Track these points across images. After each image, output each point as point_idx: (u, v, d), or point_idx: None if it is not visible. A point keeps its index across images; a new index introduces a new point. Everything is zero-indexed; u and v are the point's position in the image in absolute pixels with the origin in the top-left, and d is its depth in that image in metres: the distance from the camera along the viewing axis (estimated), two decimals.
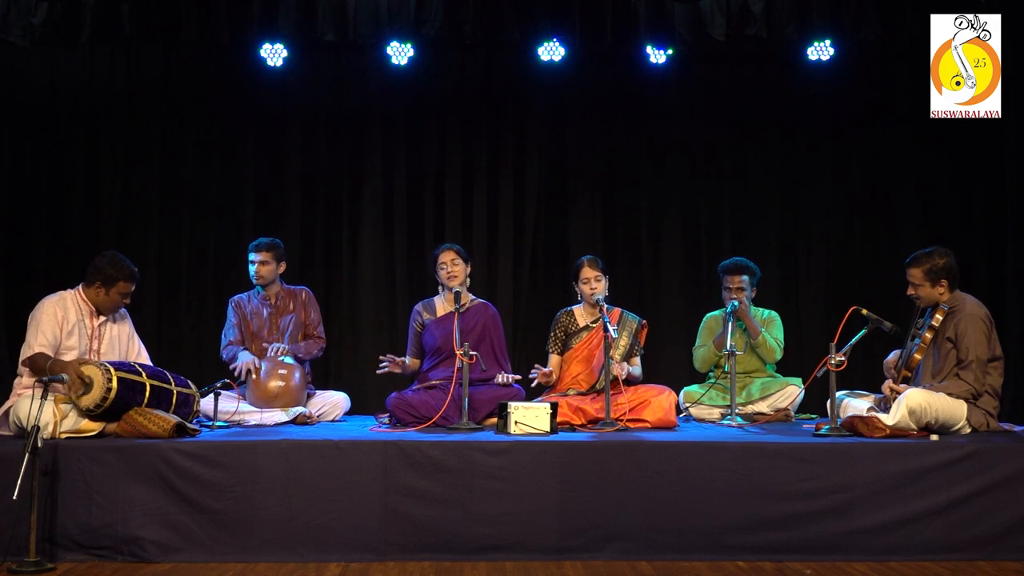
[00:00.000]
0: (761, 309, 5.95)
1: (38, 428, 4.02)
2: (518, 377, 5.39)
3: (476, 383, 5.21)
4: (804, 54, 6.26)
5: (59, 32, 5.60)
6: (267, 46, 6.20)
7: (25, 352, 4.75)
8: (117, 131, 6.66)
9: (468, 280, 5.56)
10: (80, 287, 4.93)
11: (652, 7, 5.79)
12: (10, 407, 4.69)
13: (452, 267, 5.44)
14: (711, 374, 5.92)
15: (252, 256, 5.67)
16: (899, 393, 4.74)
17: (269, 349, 5.49)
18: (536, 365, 5.40)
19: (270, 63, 6.28)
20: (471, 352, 4.90)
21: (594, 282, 5.40)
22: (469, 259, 5.58)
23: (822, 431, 4.71)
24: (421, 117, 6.79)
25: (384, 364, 5.32)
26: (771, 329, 5.84)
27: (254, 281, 5.70)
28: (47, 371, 4.51)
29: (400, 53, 6.21)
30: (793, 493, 4.36)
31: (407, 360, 5.55)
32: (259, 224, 6.61)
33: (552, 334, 5.58)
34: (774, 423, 5.47)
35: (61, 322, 4.78)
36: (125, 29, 5.68)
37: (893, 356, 5.20)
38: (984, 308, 4.92)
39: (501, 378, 5.33)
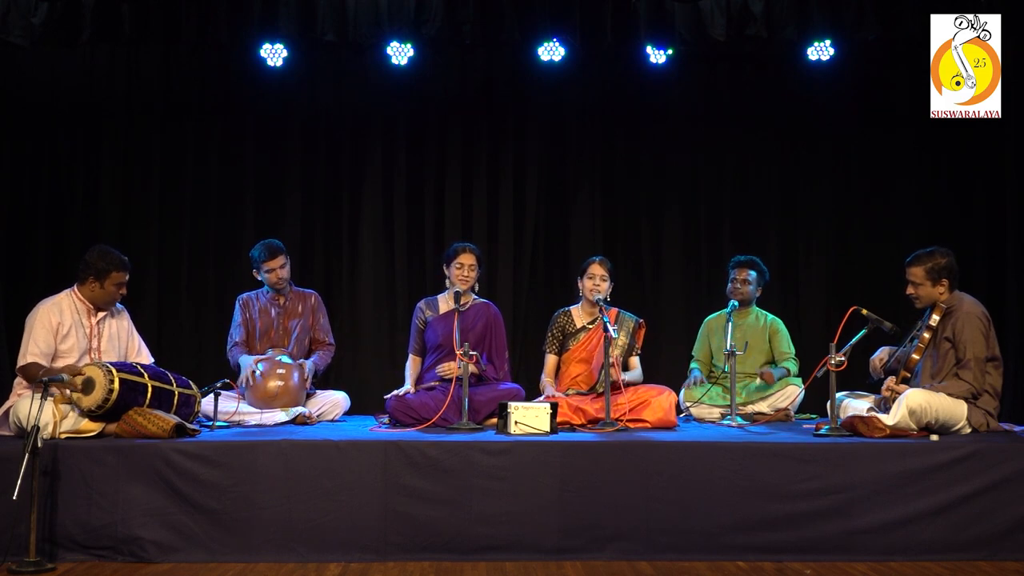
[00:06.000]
0: (764, 312, 5.94)
1: (38, 428, 4.02)
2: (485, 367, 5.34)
3: (476, 384, 5.21)
4: (804, 54, 6.26)
5: (59, 32, 5.60)
6: (267, 46, 6.19)
7: (19, 361, 4.75)
8: (117, 131, 6.66)
9: (476, 284, 5.55)
10: (75, 287, 4.91)
11: (652, 7, 5.79)
12: (10, 407, 4.69)
13: (469, 271, 5.42)
14: (711, 374, 5.92)
15: (270, 264, 5.57)
16: (899, 393, 4.74)
17: (306, 371, 5.44)
18: (546, 382, 5.41)
19: (270, 63, 6.27)
20: (471, 352, 4.90)
21: (599, 280, 5.41)
22: (483, 261, 5.56)
23: (822, 431, 4.71)
24: (421, 117, 6.78)
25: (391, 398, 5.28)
26: (779, 342, 5.83)
27: (274, 288, 5.65)
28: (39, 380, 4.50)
29: (400, 53, 6.20)
30: (793, 493, 4.36)
31: (409, 363, 5.56)
32: (259, 224, 6.61)
33: (549, 334, 5.58)
34: (774, 423, 5.47)
35: (56, 328, 4.76)
36: (125, 29, 5.68)
37: (880, 353, 5.19)
38: (981, 307, 4.91)
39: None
